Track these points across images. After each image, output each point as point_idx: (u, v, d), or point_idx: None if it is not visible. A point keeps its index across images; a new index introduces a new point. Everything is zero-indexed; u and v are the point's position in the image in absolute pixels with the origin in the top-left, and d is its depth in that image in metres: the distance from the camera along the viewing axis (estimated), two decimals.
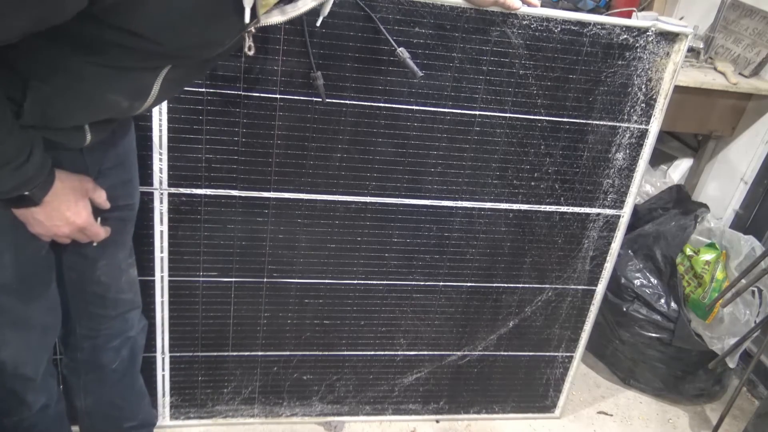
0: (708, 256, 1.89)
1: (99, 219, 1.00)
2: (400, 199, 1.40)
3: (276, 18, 0.82)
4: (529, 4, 1.22)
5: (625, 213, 1.51)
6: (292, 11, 0.82)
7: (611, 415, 1.88)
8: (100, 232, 0.99)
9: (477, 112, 1.33)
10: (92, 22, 0.69)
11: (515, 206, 1.46)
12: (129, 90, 0.84)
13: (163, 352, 1.47)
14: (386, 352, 1.60)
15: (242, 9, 0.74)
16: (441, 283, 1.53)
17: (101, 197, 0.98)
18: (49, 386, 1.15)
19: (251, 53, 0.87)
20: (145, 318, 1.30)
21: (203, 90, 1.21)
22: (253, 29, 0.83)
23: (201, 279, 1.40)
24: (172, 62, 0.83)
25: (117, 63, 0.78)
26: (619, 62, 1.32)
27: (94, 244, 1.01)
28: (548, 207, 1.47)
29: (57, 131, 0.85)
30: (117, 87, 0.82)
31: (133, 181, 1.13)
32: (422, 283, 1.52)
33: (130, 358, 1.26)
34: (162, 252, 1.35)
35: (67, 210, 0.90)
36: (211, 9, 0.73)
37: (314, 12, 0.89)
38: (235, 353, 1.52)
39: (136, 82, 0.84)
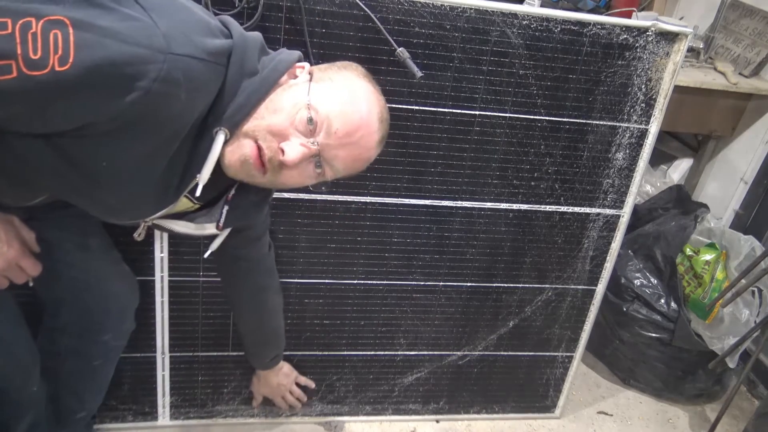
0: (708, 256, 1.89)
1: None
2: (400, 199, 1.40)
3: (174, 226, 0.92)
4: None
5: (625, 213, 1.51)
6: (191, 229, 0.93)
7: (611, 415, 1.88)
8: (37, 265, 0.98)
9: (477, 112, 1.33)
10: (40, 138, 0.70)
11: (515, 206, 1.46)
12: (12, 195, 0.88)
13: (163, 352, 1.47)
14: (386, 352, 1.60)
15: (160, 202, 0.83)
16: (441, 283, 1.53)
17: (30, 236, 0.98)
18: (35, 401, 1.15)
19: (139, 239, 1.00)
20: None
21: None
22: (149, 223, 0.92)
23: (201, 279, 1.40)
24: (69, 200, 0.87)
25: (9, 177, 0.81)
26: (619, 62, 1.32)
27: (30, 283, 1.00)
28: (548, 207, 1.47)
29: None
30: (1, 188, 0.85)
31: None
32: (422, 283, 1.52)
33: (114, 357, 1.27)
34: (162, 252, 1.35)
35: None
36: (148, 190, 0.80)
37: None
38: (235, 353, 1.52)
39: (22, 194, 0.87)
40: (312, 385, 1.55)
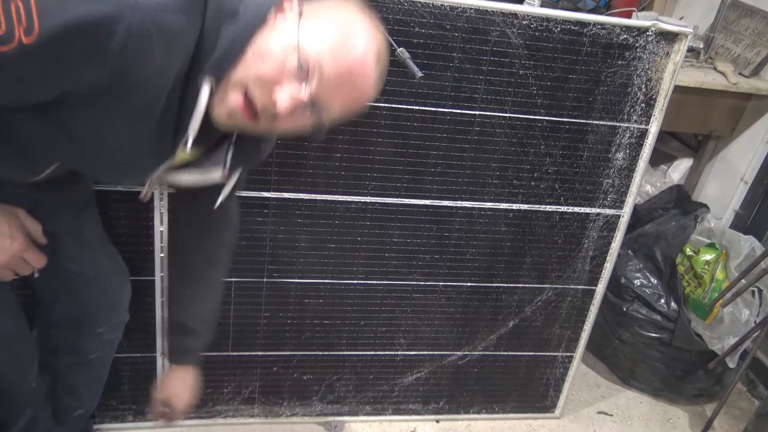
0: (708, 256, 1.89)
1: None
2: (400, 199, 1.40)
3: (180, 177, 0.88)
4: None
5: (625, 213, 1.51)
6: (197, 177, 0.88)
7: (611, 415, 1.88)
8: (41, 257, 0.97)
9: (477, 112, 1.33)
10: (16, 110, 0.70)
11: (515, 206, 1.46)
12: (19, 169, 0.86)
13: (163, 352, 1.47)
14: (386, 352, 1.60)
15: (160, 156, 0.80)
16: (441, 283, 1.53)
17: (36, 227, 0.97)
18: (34, 396, 1.15)
19: (145, 200, 0.92)
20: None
21: None
22: (155, 178, 0.88)
23: None
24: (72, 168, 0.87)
25: (14, 149, 0.80)
26: (619, 62, 1.32)
27: (36, 274, 1.00)
28: (548, 207, 1.47)
29: None
30: (8, 162, 0.84)
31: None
32: (422, 283, 1.52)
33: (110, 351, 1.26)
34: (162, 252, 1.35)
35: (1, 235, 0.90)
36: (143, 147, 0.77)
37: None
38: (235, 353, 1.52)
39: (29, 167, 0.86)
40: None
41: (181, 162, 0.87)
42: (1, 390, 1.07)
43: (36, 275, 1.00)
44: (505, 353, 1.67)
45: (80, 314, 1.17)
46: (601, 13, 1.85)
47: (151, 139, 0.77)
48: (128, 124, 0.73)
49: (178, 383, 1.22)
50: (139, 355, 1.46)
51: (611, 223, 1.52)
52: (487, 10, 1.22)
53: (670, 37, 1.31)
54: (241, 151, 0.89)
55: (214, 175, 0.89)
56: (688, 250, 1.94)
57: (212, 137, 0.86)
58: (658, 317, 1.84)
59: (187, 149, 0.78)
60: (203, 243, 1.15)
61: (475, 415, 1.76)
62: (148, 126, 0.75)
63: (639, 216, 2.04)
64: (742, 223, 2.07)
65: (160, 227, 1.32)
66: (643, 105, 1.38)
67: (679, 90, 1.63)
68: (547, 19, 1.25)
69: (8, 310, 1.05)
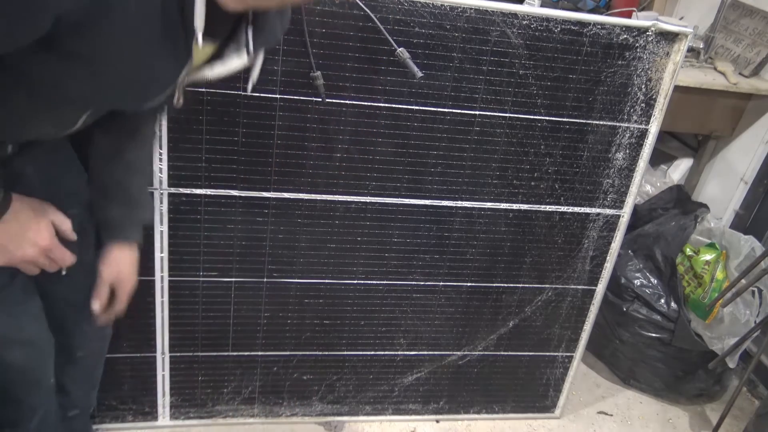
0: (708, 256, 1.89)
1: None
2: (400, 199, 1.40)
3: (206, 73, 0.84)
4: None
5: (625, 213, 1.51)
6: (221, 68, 0.84)
7: (611, 415, 1.88)
8: (66, 255, 0.95)
9: (477, 112, 1.33)
10: (33, 50, 0.68)
11: (515, 206, 1.46)
12: (53, 121, 0.84)
13: (163, 352, 1.47)
14: (386, 352, 1.60)
15: (180, 60, 0.77)
16: (441, 283, 1.53)
17: (65, 224, 0.95)
18: (50, 393, 1.14)
19: (179, 105, 0.89)
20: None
21: (203, 90, 1.21)
22: (184, 82, 0.84)
23: (201, 279, 1.40)
24: (98, 108, 0.84)
25: (43, 100, 0.78)
26: (619, 62, 1.32)
27: (63, 272, 0.98)
28: (548, 207, 1.47)
29: None
30: (41, 118, 0.82)
31: (75, 189, 1.10)
32: (422, 283, 1.52)
33: (98, 349, 1.24)
34: (162, 252, 1.35)
35: (29, 230, 0.88)
36: (157, 54, 0.74)
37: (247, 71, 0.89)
38: (235, 353, 1.52)
39: (62, 117, 0.84)
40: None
41: (204, 59, 0.84)
42: (26, 391, 1.06)
43: (63, 272, 0.98)
44: (505, 353, 1.67)
45: (63, 311, 1.15)
46: (601, 13, 1.85)
47: (163, 45, 0.74)
48: (133, 36, 0.71)
49: (122, 263, 1.11)
50: (139, 355, 1.46)
51: (611, 223, 1.52)
52: (487, 10, 1.22)
53: (670, 37, 1.31)
54: (260, 31, 0.84)
55: (238, 62, 0.85)
56: (688, 250, 1.94)
57: (225, 26, 0.82)
58: (658, 317, 1.84)
59: (199, 44, 0.74)
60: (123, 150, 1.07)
61: (475, 415, 1.76)
62: (155, 32, 0.72)
63: (639, 216, 2.04)
64: (742, 223, 2.07)
65: (160, 227, 1.32)
66: (643, 105, 1.38)
67: (679, 90, 1.64)
68: (547, 19, 1.25)
69: (35, 312, 1.04)
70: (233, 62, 0.84)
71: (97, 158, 1.07)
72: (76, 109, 0.85)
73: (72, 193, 1.09)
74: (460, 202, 1.43)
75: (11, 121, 0.81)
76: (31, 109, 0.80)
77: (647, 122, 1.41)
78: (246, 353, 1.53)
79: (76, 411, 1.29)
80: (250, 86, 0.91)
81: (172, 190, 1.29)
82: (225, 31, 0.83)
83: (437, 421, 1.74)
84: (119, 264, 1.10)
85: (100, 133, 1.05)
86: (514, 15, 1.24)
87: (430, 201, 1.42)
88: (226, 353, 1.52)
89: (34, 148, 0.94)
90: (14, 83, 0.74)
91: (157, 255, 1.35)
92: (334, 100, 1.26)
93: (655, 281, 1.88)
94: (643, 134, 1.42)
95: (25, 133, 0.87)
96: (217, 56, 0.85)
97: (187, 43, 0.76)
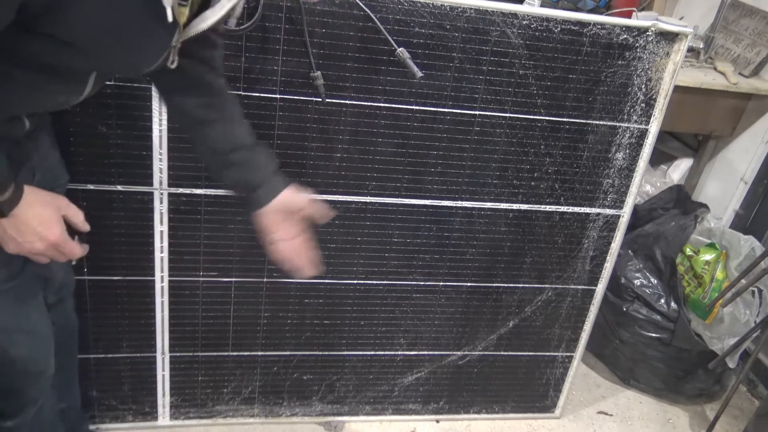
0: (708, 256, 1.89)
1: (76, 237, 0.97)
2: (400, 199, 1.40)
3: (200, 26, 0.82)
4: None
5: (625, 213, 1.51)
6: (212, 16, 0.82)
7: (611, 415, 1.88)
8: (76, 249, 0.95)
9: (477, 112, 1.33)
10: (17, 32, 0.69)
11: (515, 206, 1.46)
12: (62, 89, 0.85)
13: (163, 352, 1.47)
14: (386, 352, 1.60)
15: (167, 27, 0.76)
16: (441, 283, 1.53)
17: (78, 216, 0.95)
18: (48, 384, 1.14)
19: (173, 66, 0.88)
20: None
21: None
22: (178, 44, 0.84)
23: (201, 279, 1.40)
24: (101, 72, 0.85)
25: (47, 70, 0.79)
26: (619, 62, 1.32)
27: (74, 262, 0.98)
28: (548, 207, 1.47)
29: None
30: (50, 87, 0.83)
31: (59, 161, 1.13)
32: (422, 283, 1.52)
33: (64, 334, 1.23)
34: (162, 252, 1.35)
35: (39, 225, 0.88)
36: (140, 26, 0.74)
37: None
38: (235, 353, 1.52)
39: (69, 85, 0.85)
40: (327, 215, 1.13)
41: (191, 14, 0.82)
42: (28, 382, 1.06)
43: (73, 263, 0.99)
44: (505, 353, 1.67)
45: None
46: (601, 13, 1.85)
47: (145, 18, 0.74)
48: (108, 16, 0.71)
49: (293, 197, 1.07)
50: (139, 355, 1.46)
51: (611, 223, 1.52)
52: (487, 10, 1.22)
53: (670, 37, 1.31)
54: None
55: (228, 4, 0.83)
56: (688, 250, 1.94)
57: None
58: (658, 317, 1.84)
59: (169, 16, 0.73)
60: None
61: (475, 415, 1.76)
62: (134, 8, 0.72)
63: (639, 216, 2.04)
64: (742, 223, 2.07)
65: (160, 227, 1.32)
66: (643, 105, 1.38)
67: (679, 90, 1.63)
68: (547, 19, 1.25)
69: (37, 305, 1.04)
70: (224, 8, 0.82)
71: (196, 128, 1.03)
72: (80, 78, 0.85)
73: (58, 163, 1.11)
74: (460, 202, 1.43)
75: (21, 93, 0.82)
76: (37, 81, 0.80)
77: (647, 122, 1.41)
78: (246, 353, 1.53)
79: (63, 405, 1.29)
80: (233, 22, 0.88)
81: (172, 190, 1.29)
82: None
83: (437, 421, 1.74)
84: (287, 206, 1.06)
85: (181, 101, 1.02)
86: (514, 15, 1.24)
87: (430, 201, 1.42)
88: (226, 353, 1.52)
89: (43, 123, 0.95)
90: (10, 62, 0.75)
91: (157, 255, 1.35)
92: (334, 100, 1.26)
93: (655, 281, 1.88)
94: (643, 134, 1.42)
95: (38, 104, 0.88)
96: (205, 5, 0.83)
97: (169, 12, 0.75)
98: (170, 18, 0.73)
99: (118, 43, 0.76)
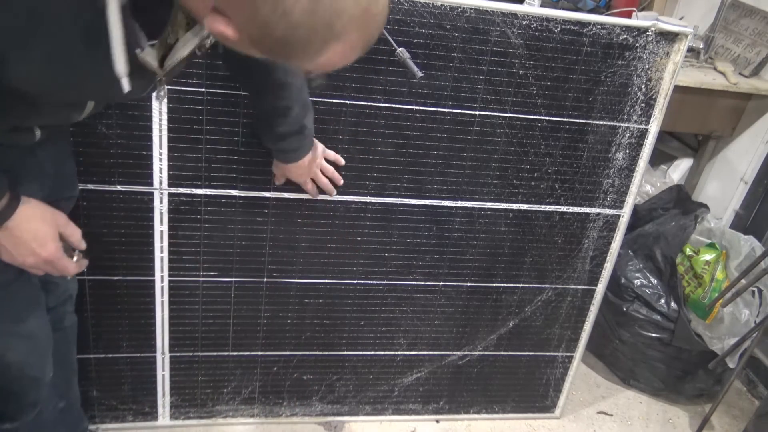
0: (708, 256, 1.89)
1: (76, 252, 0.97)
2: (400, 199, 1.40)
3: (184, 52, 0.77)
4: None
5: (625, 213, 1.51)
6: (182, 50, 0.77)
7: (611, 415, 1.88)
8: (69, 266, 0.94)
9: (477, 112, 1.33)
10: None
11: (515, 206, 1.46)
12: (60, 111, 0.85)
13: (163, 352, 1.47)
14: (386, 352, 1.60)
15: (147, 81, 0.76)
16: (441, 283, 1.53)
17: (75, 235, 0.94)
18: (46, 388, 1.14)
19: (162, 94, 0.88)
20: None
21: (203, 90, 1.21)
22: (163, 79, 0.81)
23: (201, 279, 1.40)
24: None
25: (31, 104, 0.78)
26: (619, 62, 1.32)
27: (68, 277, 0.98)
28: (548, 207, 1.47)
29: (4, 133, 0.84)
30: (46, 110, 0.82)
31: (74, 173, 1.14)
32: (422, 283, 1.52)
33: (63, 334, 1.24)
34: (162, 252, 1.35)
35: (33, 240, 0.87)
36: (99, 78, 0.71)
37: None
38: (235, 353, 1.52)
39: (65, 111, 0.84)
40: (341, 161, 1.32)
41: (166, 49, 0.76)
42: (27, 386, 1.06)
43: (69, 277, 0.99)
44: (505, 353, 1.67)
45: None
46: (601, 13, 1.85)
47: (103, 64, 0.67)
48: (53, 62, 0.67)
49: (308, 164, 1.26)
50: (139, 355, 1.46)
51: (611, 223, 1.52)
52: (487, 10, 1.22)
53: (670, 37, 1.31)
54: None
55: (192, 38, 0.77)
56: (688, 250, 1.94)
57: (164, 11, 0.71)
58: (658, 317, 1.84)
59: (124, 89, 0.69)
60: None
61: (475, 415, 1.76)
62: (78, 52, 0.66)
63: (639, 216, 2.04)
64: (742, 223, 2.08)
65: (160, 227, 1.32)
66: (643, 105, 1.38)
67: (679, 90, 1.64)
68: (547, 19, 1.25)
69: (37, 311, 1.04)
70: (188, 42, 0.77)
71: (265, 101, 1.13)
72: (74, 110, 0.85)
73: (72, 175, 1.11)
74: (460, 202, 1.43)
75: (20, 111, 0.81)
76: (29, 113, 0.80)
77: (647, 122, 1.41)
78: (246, 353, 1.53)
79: (63, 404, 1.29)
80: (209, 42, 0.81)
81: (172, 190, 1.29)
82: (164, 15, 0.73)
83: (437, 421, 1.74)
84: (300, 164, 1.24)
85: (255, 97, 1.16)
86: (514, 15, 1.24)
87: (430, 201, 1.42)
88: (226, 353, 1.52)
89: (53, 133, 0.94)
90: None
91: (157, 255, 1.35)
92: (334, 100, 1.26)
93: (655, 281, 1.88)
94: (643, 134, 1.42)
95: (40, 121, 0.87)
96: (186, 36, 0.77)
97: (132, 54, 0.70)
98: (126, 89, 0.70)
99: (80, 91, 0.75)
